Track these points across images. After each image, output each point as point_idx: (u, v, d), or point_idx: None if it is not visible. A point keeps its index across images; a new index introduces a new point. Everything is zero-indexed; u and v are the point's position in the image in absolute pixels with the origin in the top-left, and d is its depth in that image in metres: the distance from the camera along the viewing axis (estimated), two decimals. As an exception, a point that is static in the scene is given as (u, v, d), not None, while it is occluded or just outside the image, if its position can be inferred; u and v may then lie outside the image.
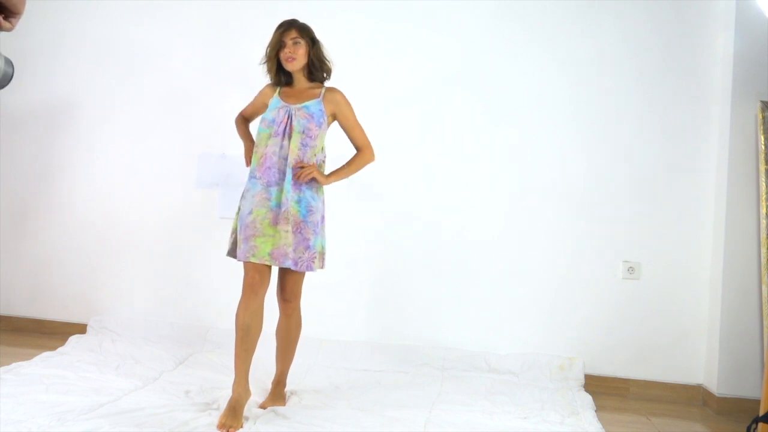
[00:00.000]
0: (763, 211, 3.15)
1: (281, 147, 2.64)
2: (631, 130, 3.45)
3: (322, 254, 2.72)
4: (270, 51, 2.73)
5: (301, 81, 2.77)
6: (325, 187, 2.78)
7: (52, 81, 4.01)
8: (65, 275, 3.94)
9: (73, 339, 3.56)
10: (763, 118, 3.19)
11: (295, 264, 2.59)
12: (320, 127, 2.67)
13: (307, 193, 2.64)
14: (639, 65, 3.44)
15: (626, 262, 3.42)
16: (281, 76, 2.79)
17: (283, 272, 2.72)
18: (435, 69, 3.62)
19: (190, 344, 3.55)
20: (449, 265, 3.56)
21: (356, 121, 2.78)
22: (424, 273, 3.58)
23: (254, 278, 2.56)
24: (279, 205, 2.59)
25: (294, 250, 2.58)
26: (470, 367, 3.39)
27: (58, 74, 4.01)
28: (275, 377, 2.86)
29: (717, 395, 3.17)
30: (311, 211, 2.63)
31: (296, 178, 2.60)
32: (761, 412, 2.39)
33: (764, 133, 3.18)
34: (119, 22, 3.94)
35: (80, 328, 3.80)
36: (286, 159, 2.63)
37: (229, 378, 3.01)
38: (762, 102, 3.21)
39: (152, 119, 3.89)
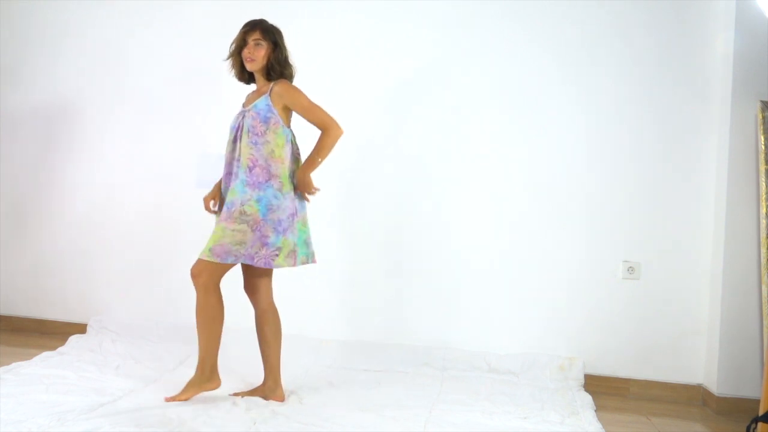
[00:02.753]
0: (763, 211, 3.15)
1: (234, 150, 2.74)
2: (630, 130, 3.44)
3: (293, 251, 2.69)
4: (234, 49, 2.79)
5: (260, 81, 2.81)
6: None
7: (52, 81, 4.01)
8: (65, 275, 3.94)
9: (73, 339, 3.56)
10: (763, 118, 3.19)
11: (252, 259, 2.62)
12: (266, 123, 2.68)
13: (269, 192, 2.66)
14: (639, 65, 3.44)
15: (626, 262, 3.42)
16: (245, 74, 2.84)
17: (245, 267, 2.79)
18: (434, 68, 3.61)
19: (190, 344, 3.53)
20: (449, 265, 3.56)
21: (310, 103, 2.72)
22: (424, 273, 3.58)
23: (192, 269, 2.66)
24: (226, 204, 2.68)
25: (251, 247, 2.61)
26: (470, 367, 3.39)
27: (58, 74, 4.01)
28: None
29: (717, 395, 3.17)
30: (271, 209, 2.64)
31: (307, 195, 2.77)
32: (761, 412, 2.39)
33: (764, 133, 3.18)
34: (119, 22, 3.94)
35: (80, 328, 3.80)
36: (238, 160, 2.70)
37: (228, 378, 3.02)
38: (762, 102, 3.21)
39: (152, 119, 3.89)
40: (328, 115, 2.72)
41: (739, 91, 3.22)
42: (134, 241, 3.86)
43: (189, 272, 2.67)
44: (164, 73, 3.88)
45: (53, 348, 3.42)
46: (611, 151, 3.46)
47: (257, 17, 2.83)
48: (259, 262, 2.62)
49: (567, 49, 3.50)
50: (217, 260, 2.60)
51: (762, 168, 3.16)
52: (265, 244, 2.62)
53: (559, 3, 3.51)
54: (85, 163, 3.95)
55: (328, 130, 2.71)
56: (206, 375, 2.68)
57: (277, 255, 2.64)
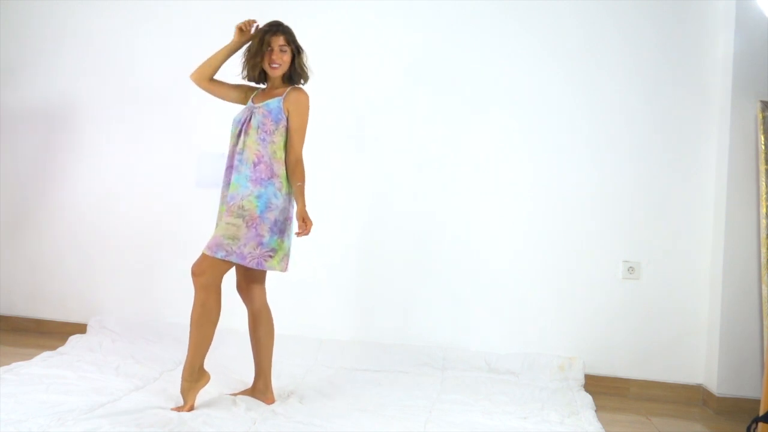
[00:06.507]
0: (763, 211, 3.15)
1: (237, 144, 2.71)
2: (631, 130, 3.44)
3: (287, 255, 2.69)
4: (255, 50, 2.71)
5: (275, 82, 2.77)
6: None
7: (52, 81, 4.01)
8: (65, 275, 3.94)
9: (73, 339, 3.56)
10: (763, 118, 3.19)
11: (243, 259, 2.58)
12: (277, 123, 2.66)
13: (270, 190, 2.63)
14: (639, 65, 3.44)
15: (626, 262, 3.42)
16: (260, 74, 2.79)
17: (239, 266, 2.70)
18: (433, 68, 3.61)
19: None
20: (450, 264, 3.56)
21: (301, 127, 2.70)
22: (424, 273, 3.58)
23: (193, 267, 2.60)
24: (227, 197, 2.67)
25: (244, 245, 2.57)
26: (470, 367, 3.39)
27: (58, 74, 4.00)
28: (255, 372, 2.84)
29: (717, 395, 3.17)
30: (270, 208, 2.62)
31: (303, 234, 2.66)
32: (761, 412, 2.39)
33: (764, 133, 3.18)
34: (119, 21, 3.93)
35: (80, 328, 3.80)
36: (240, 154, 2.68)
37: (228, 378, 3.02)
38: (762, 102, 3.21)
39: (152, 119, 3.88)
40: (301, 152, 2.71)
41: (739, 91, 3.22)
42: (134, 241, 3.86)
43: (189, 270, 2.60)
44: (164, 72, 3.87)
45: (53, 348, 3.42)
46: (611, 151, 3.46)
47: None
48: (251, 263, 2.59)
49: (566, 49, 3.50)
50: (208, 253, 2.56)
51: (762, 168, 3.16)
52: (260, 244, 2.59)
53: (560, 3, 3.51)
54: (84, 163, 3.95)
55: (296, 168, 2.68)
56: (195, 376, 2.63)
57: (271, 256, 2.62)
